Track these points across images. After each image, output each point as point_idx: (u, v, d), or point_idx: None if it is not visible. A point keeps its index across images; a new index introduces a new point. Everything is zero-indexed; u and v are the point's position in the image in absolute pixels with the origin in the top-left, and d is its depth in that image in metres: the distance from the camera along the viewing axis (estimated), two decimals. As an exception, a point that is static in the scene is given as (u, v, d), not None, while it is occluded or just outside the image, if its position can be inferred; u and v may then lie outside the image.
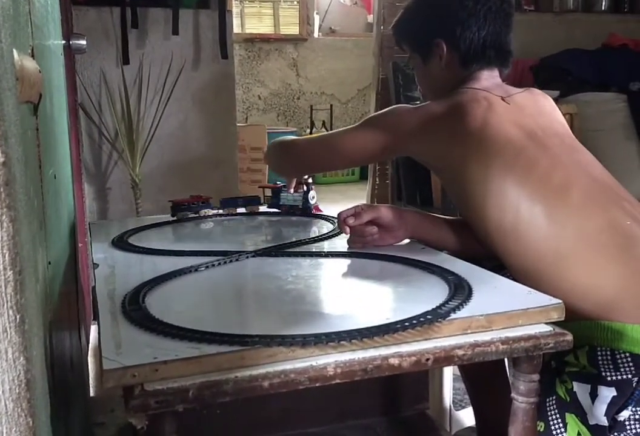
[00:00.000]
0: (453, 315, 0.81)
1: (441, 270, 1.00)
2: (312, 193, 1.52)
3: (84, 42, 1.80)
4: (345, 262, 1.14)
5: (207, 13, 2.75)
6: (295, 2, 6.19)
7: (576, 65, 3.45)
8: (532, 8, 3.73)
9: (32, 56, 0.82)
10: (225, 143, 2.88)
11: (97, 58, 2.63)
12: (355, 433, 1.32)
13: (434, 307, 0.83)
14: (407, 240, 1.22)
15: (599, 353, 1.02)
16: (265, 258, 1.13)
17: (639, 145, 3.38)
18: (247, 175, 4.37)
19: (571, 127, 1.28)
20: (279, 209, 1.56)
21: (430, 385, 1.47)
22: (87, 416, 1.53)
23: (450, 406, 1.60)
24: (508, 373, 1.25)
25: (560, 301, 0.86)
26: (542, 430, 1.05)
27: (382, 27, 3.37)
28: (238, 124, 3.14)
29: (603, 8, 3.86)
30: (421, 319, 0.79)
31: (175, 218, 1.49)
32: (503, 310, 0.83)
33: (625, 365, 1.00)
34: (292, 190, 1.51)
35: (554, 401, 1.05)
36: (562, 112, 1.29)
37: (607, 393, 1.00)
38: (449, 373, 1.58)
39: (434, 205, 3.01)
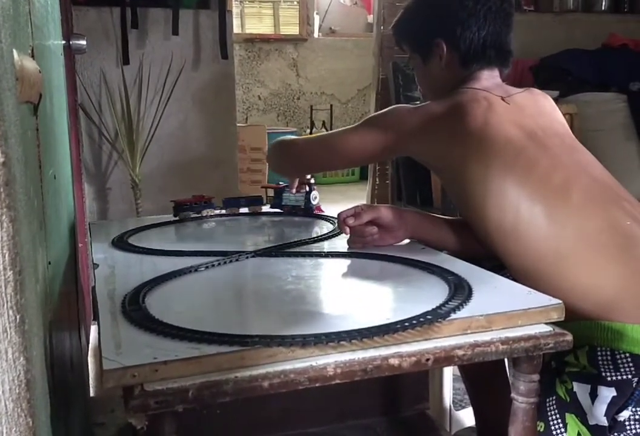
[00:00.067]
0: (453, 315, 0.81)
1: (441, 270, 1.00)
2: (314, 193, 1.52)
3: (84, 42, 1.80)
4: (345, 262, 1.14)
5: (207, 13, 2.75)
6: (295, 2, 6.19)
7: (576, 65, 3.45)
8: (532, 8, 3.74)
9: (32, 56, 0.82)
10: (225, 143, 2.88)
11: (97, 58, 2.63)
12: (355, 433, 1.32)
13: (434, 307, 0.83)
14: (407, 240, 1.22)
15: (599, 353, 1.02)
16: (265, 258, 1.13)
17: (639, 145, 3.38)
18: (247, 175, 4.37)
19: (571, 127, 1.28)
20: (281, 209, 1.56)
21: (430, 385, 1.47)
22: (87, 417, 1.53)
23: (450, 406, 1.60)
24: (508, 373, 1.25)
25: (560, 301, 0.86)
26: (542, 430, 1.05)
27: (382, 27, 3.37)
28: (238, 124, 3.14)
29: (603, 8, 3.86)
30: (421, 319, 0.79)
31: (177, 218, 1.49)
32: (503, 310, 0.83)
33: (625, 365, 1.00)
34: (294, 191, 1.51)
35: (554, 402, 1.05)
36: (562, 112, 1.29)
37: (607, 394, 1.00)
38: (449, 373, 1.58)
39: (434, 205, 3.01)
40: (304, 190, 1.52)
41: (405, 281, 1.00)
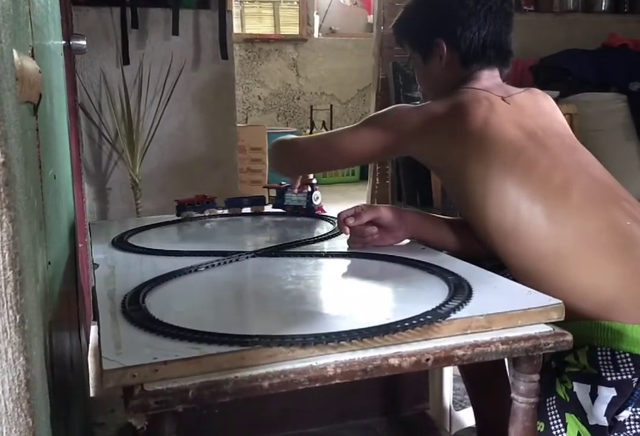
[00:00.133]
0: (453, 315, 0.81)
1: (441, 270, 1.00)
2: (316, 193, 1.51)
3: (84, 42, 1.80)
4: (345, 262, 1.14)
5: (207, 13, 2.75)
6: (295, 3, 6.19)
7: (576, 65, 3.45)
8: (532, 8, 3.74)
9: (32, 56, 0.82)
10: (225, 143, 2.88)
11: (97, 58, 2.63)
12: (355, 433, 1.32)
13: (434, 307, 0.83)
14: (407, 240, 1.22)
15: (599, 353, 1.02)
16: (265, 258, 1.13)
17: (639, 145, 3.38)
18: (247, 175, 4.37)
19: (571, 127, 1.28)
20: (283, 209, 1.56)
21: (430, 385, 1.47)
22: (87, 417, 1.53)
23: (450, 406, 1.60)
24: (508, 373, 1.25)
25: (560, 301, 0.86)
26: (542, 430, 1.05)
27: (382, 27, 3.37)
28: (238, 124, 3.14)
29: (603, 8, 3.86)
30: (421, 319, 0.79)
31: (180, 217, 1.49)
32: (503, 310, 0.83)
33: (625, 365, 1.00)
34: (296, 191, 1.51)
35: (554, 402, 1.05)
36: (562, 112, 1.29)
37: (607, 394, 1.00)
38: (449, 373, 1.58)
39: (434, 205, 3.01)
40: (306, 190, 1.51)
41: (405, 281, 1.00)
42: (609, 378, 1.00)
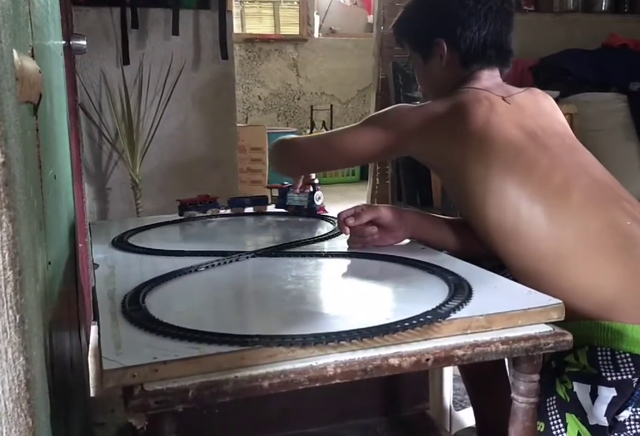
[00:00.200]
0: (453, 315, 0.81)
1: (441, 270, 1.00)
2: (318, 193, 1.51)
3: (84, 42, 1.80)
4: (345, 262, 1.14)
5: (207, 13, 2.75)
6: (295, 3, 6.19)
7: (576, 65, 3.45)
8: (532, 8, 3.74)
9: (32, 56, 0.82)
10: (225, 143, 2.88)
11: (97, 58, 2.63)
12: (355, 433, 1.32)
13: (434, 307, 0.83)
14: (407, 240, 1.22)
15: (599, 353, 1.02)
16: (265, 258, 1.13)
17: (639, 145, 3.38)
18: (247, 175, 4.36)
19: (571, 127, 1.28)
20: (285, 209, 1.56)
21: (430, 385, 1.47)
22: (87, 417, 1.53)
23: (450, 406, 1.60)
24: (508, 373, 1.25)
25: (560, 301, 0.86)
26: (542, 430, 1.05)
27: (382, 28, 3.37)
28: (238, 124, 3.14)
29: (603, 8, 3.86)
30: (421, 319, 0.79)
31: (180, 217, 1.49)
32: (503, 310, 0.83)
33: (626, 365, 1.00)
34: (298, 191, 1.51)
35: (554, 402, 1.05)
36: (562, 112, 1.29)
37: (607, 394, 1.00)
38: (449, 373, 1.58)
39: (434, 205, 3.01)
40: (308, 191, 1.51)
41: (405, 281, 1.00)
42: (609, 378, 1.00)
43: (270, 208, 1.59)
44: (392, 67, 3.25)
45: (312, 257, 1.14)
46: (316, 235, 1.32)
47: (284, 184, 1.57)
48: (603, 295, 1.02)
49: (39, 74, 0.78)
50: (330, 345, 0.74)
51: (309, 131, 5.68)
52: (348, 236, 1.20)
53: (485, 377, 1.33)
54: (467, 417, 1.60)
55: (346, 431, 1.31)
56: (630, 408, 0.99)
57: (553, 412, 1.05)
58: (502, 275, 1.03)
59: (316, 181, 1.53)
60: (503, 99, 1.19)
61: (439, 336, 0.79)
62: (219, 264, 1.07)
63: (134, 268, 1.11)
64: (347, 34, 6.23)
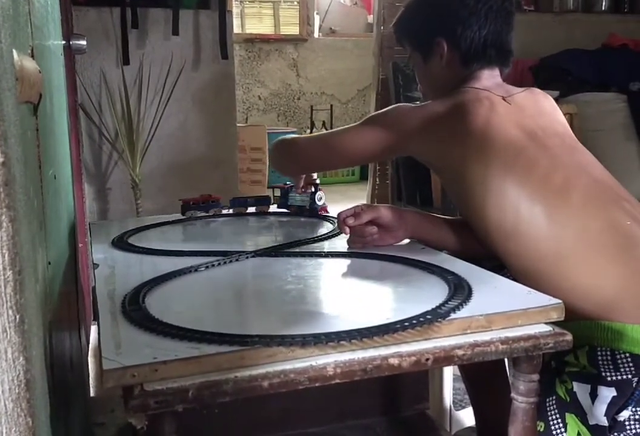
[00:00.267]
0: (453, 315, 0.81)
1: (441, 270, 1.00)
2: (319, 194, 1.51)
3: (84, 42, 1.80)
4: (345, 262, 1.14)
5: (207, 13, 2.75)
6: (295, 3, 6.19)
7: (576, 65, 3.45)
8: (532, 8, 3.74)
9: (32, 56, 0.82)
10: (225, 143, 2.88)
11: (97, 58, 2.63)
12: (355, 433, 1.32)
13: (434, 307, 0.83)
14: (407, 240, 1.22)
15: (599, 353, 1.02)
16: (265, 258, 1.13)
17: (639, 145, 3.38)
18: (247, 175, 4.37)
19: (571, 127, 1.28)
20: (287, 209, 1.56)
21: (430, 385, 1.47)
22: (87, 417, 1.53)
23: (450, 406, 1.60)
24: (508, 373, 1.25)
25: (560, 301, 0.86)
26: (542, 430, 1.05)
27: (382, 27, 3.37)
28: (238, 124, 3.14)
29: (603, 8, 3.86)
30: (421, 319, 0.79)
31: (182, 217, 1.50)
32: (503, 310, 0.83)
33: (625, 365, 1.00)
34: (299, 191, 1.51)
35: (554, 401, 1.05)
36: (562, 112, 1.29)
37: (607, 393, 1.00)
38: (449, 373, 1.58)
39: (434, 205, 3.01)
40: (310, 191, 1.51)
41: (405, 281, 1.00)
42: (609, 378, 1.00)
43: (273, 208, 1.59)
44: (392, 67, 3.25)
45: (312, 257, 1.13)
46: (316, 235, 1.32)
47: (286, 184, 1.56)
48: (603, 295, 1.02)
49: (38, 74, 0.78)
50: (330, 345, 0.74)
51: (309, 131, 5.68)
52: (348, 236, 1.20)
53: (485, 377, 1.33)
54: (467, 417, 1.60)
55: (346, 431, 1.31)
56: (630, 408, 0.99)
57: (553, 412, 1.05)
58: (502, 275, 1.03)
59: (318, 181, 1.53)
60: (503, 98, 1.19)
61: (438, 336, 0.79)
62: (219, 264, 1.07)
63: (134, 268, 1.11)
64: (347, 34, 6.23)
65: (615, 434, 1.00)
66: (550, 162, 1.12)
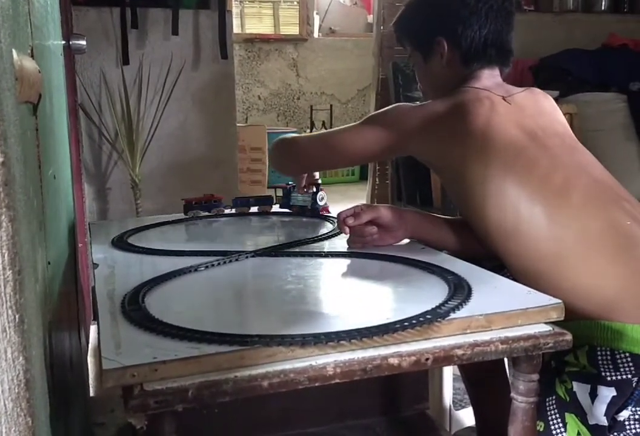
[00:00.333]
0: (452, 315, 0.81)
1: (441, 270, 1.00)
2: (321, 194, 1.50)
3: (83, 42, 1.80)
4: (345, 262, 1.14)
5: (207, 13, 2.75)
6: (295, 3, 6.19)
7: (576, 65, 3.45)
8: (532, 8, 3.73)
9: (32, 56, 0.82)
10: (225, 143, 2.88)
11: (97, 58, 2.63)
12: (355, 433, 1.31)
13: (434, 306, 0.83)
14: (407, 240, 1.22)
15: (598, 353, 1.02)
16: (264, 258, 1.13)
17: (639, 145, 3.38)
18: (247, 175, 4.37)
19: (571, 127, 1.28)
20: (290, 209, 1.55)
21: (430, 384, 1.47)
22: (87, 416, 1.53)
23: (450, 406, 1.60)
24: (508, 373, 1.25)
25: (560, 301, 0.86)
26: (541, 429, 1.05)
27: (382, 27, 3.37)
28: (238, 124, 3.14)
29: (603, 8, 3.86)
30: (421, 319, 0.79)
31: (182, 217, 1.50)
32: (502, 310, 0.83)
33: (625, 365, 1.00)
34: (301, 190, 1.50)
35: (553, 401, 1.05)
36: (562, 112, 1.29)
37: (607, 393, 1.00)
38: (448, 373, 1.58)
39: (433, 205, 3.01)
40: (311, 191, 1.51)
41: (405, 281, 1.00)
42: (608, 378, 1.00)
43: (275, 208, 1.59)
44: (392, 67, 3.25)
45: (312, 257, 1.13)
46: (316, 235, 1.32)
47: (289, 184, 1.56)
48: (603, 295, 1.02)
49: (38, 74, 0.78)
50: (330, 345, 0.74)
51: (308, 131, 5.68)
52: (348, 236, 1.20)
53: (484, 377, 1.33)
54: (466, 417, 1.60)
55: (346, 431, 1.31)
56: (629, 407, 0.99)
57: (553, 412, 1.05)
58: (502, 275, 1.03)
59: (319, 181, 1.52)
60: (504, 98, 1.19)
61: (438, 336, 0.79)
62: (219, 264, 1.07)
63: (134, 268, 1.11)
64: (347, 34, 6.23)
65: (615, 434, 1.00)
66: (551, 162, 1.12)
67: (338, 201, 4.25)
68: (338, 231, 1.26)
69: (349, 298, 0.96)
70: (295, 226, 1.48)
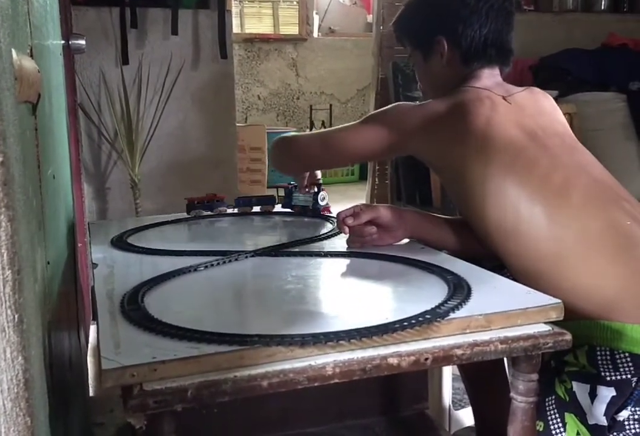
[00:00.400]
0: (452, 315, 0.81)
1: (441, 270, 1.00)
2: (322, 194, 1.50)
3: (83, 42, 1.80)
4: (344, 262, 1.14)
5: (206, 13, 2.75)
6: (295, 2, 6.19)
7: (576, 65, 3.45)
8: (532, 8, 3.74)
9: (31, 56, 0.82)
10: (224, 143, 2.88)
11: (96, 58, 2.63)
12: (355, 433, 1.31)
13: (433, 306, 0.83)
14: (406, 240, 1.22)
15: (598, 353, 1.02)
16: (264, 258, 1.13)
17: (639, 145, 3.38)
18: (247, 175, 4.37)
19: (571, 127, 1.28)
20: (291, 209, 1.55)
21: (429, 384, 1.47)
22: (86, 416, 1.53)
23: (449, 406, 1.60)
24: (507, 373, 1.25)
25: (559, 301, 0.86)
26: (541, 429, 1.05)
27: (381, 27, 3.37)
28: (237, 124, 3.14)
29: (603, 8, 3.86)
30: (420, 319, 0.79)
31: (182, 217, 1.50)
32: (502, 310, 0.83)
33: (625, 365, 1.00)
34: (302, 190, 1.50)
35: (553, 401, 1.05)
36: (562, 112, 1.29)
37: (607, 393, 1.00)
38: (448, 372, 1.58)
39: (433, 205, 3.01)
40: (313, 191, 1.51)
41: (405, 281, 1.00)
42: (608, 378, 1.00)
43: (277, 208, 1.59)
44: (392, 66, 3.25)
45: (311, 257, 1.13)
46: (316, 235, 1.31)
47: (290, 184, 1.56)
48: (603, 295, 1.02)
49: (37, 74, 0.78)
50: (329, 345, 0.74)
51: (308, 131, 5.67)
52: (347, 236, 1.20)
53: (484, 377, 1.33)
54: (466, 417, 1.60)
55: (345, 431, 1.31)
56: (629, 407, 0.99)
57: (552, 412, 1.05)
58: (502, 275, 1.03)
59: (321, 181, 1.52)
60: (504, 98, 1.19)
61: (438, 336, 0.79)
62: (219, 264, 1.07)
63: (133, 267, 1.11)
64: (346, 34, 6.23)
65: (615, 434, 1.00)
66: (550, 161, 1.12)
67: (337, 201, 4.25)
68: (338, 231, 1.26)
69: (348, 298, 0.96)
70: (296, 226, 1.48)
